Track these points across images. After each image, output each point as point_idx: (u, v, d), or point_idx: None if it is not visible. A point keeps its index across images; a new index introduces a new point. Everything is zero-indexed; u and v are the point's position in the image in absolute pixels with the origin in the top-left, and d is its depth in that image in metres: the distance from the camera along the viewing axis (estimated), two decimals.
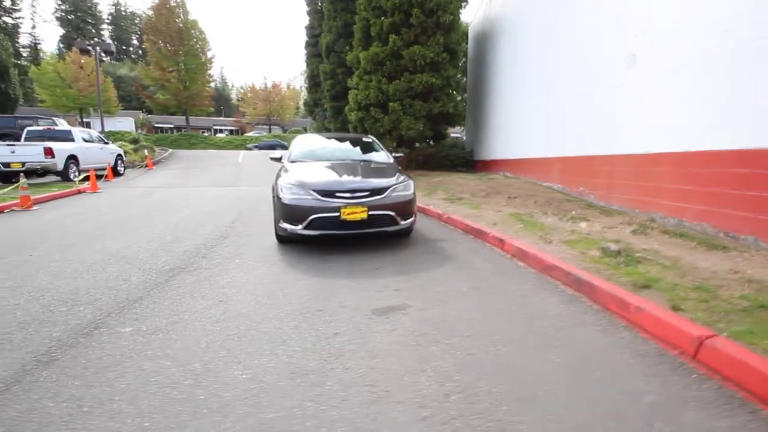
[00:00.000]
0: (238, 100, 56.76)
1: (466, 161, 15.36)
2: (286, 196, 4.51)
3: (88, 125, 29.91)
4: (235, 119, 49.56)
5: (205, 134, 43.63)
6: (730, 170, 4.01)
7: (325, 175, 4.74)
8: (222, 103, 62.72)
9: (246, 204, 8.25)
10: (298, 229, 4.42)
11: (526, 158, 9.82)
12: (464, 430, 1.64)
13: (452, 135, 22.43)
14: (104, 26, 61.35)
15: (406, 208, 4.71)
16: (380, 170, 5.10)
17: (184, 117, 37.88)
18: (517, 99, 10.95)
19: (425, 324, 2.69)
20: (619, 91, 5.90)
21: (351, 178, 4.67)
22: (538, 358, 2.25)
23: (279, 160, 5.82)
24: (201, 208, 7.66)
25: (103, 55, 20.20)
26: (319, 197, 4.38)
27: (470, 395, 1.88)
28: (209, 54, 36.21)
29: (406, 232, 5.01)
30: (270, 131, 45.99)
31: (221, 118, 54.68)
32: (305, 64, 21.32)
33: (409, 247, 4.83)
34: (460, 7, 13.01)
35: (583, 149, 6.89)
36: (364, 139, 6.41)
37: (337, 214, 4.34)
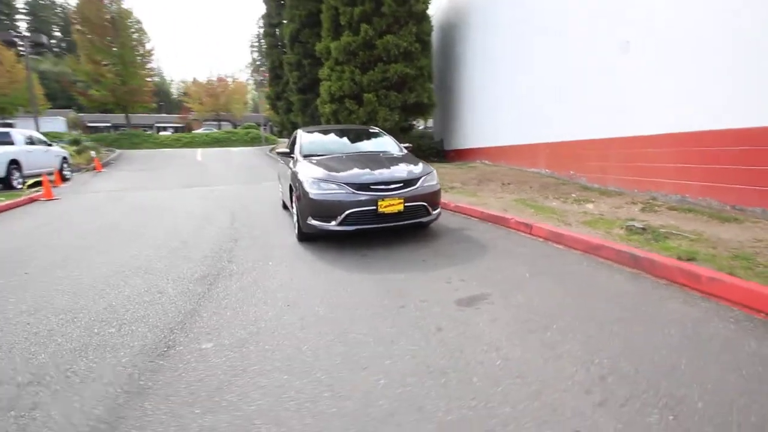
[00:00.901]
0: (181, 95, 53.29)
1: (437, 151, 15.54)
2: (315, 192, 4.29)
3: (9, 127, 26.62)
4: (180, 116, 46.42)
5: (148, 132, 40.61)
6: (737, 148, 4.39)
7: (353, 168, 4.55)
8: (161, 98, 58.60)
9: (232, 204, 7.77)
10: (332, 225, 4.22)
11: (507, 145, 10.11)
12: (647, 410, 1.65)
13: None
14: (19, 17, 54.73)
15: (435, 198, 4.66)
16: (404, 161, 4.99)
17: (123, 114, 34.92)
18: (493, 88, 11.22)
19: (520, 311, 2.68)
20: (612, 77, 6.22)
21: (381, 169, 4.53)
22: (652, 333, 2.32)
23: (288, 155, 5.53)
24: (187, 211, 7.11)
25: (29, 48, 18.04)
26: (354, 191, 4.21)
27: (624, 375, 1.90)
28: (148, 46, 33.57)
29: (429, 223, 4.97)
30: (220, 127, 43.72)
31: (164, 115, 51.03)
32: (264, 56, 20.17)
33: (438, 238, 4.80)
34: None
35: (574, 134, 7.21)
36: (371, 130, 6.25)
37: (373, 207, 4.20)
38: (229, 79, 44.74)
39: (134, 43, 31.79)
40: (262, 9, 21.15)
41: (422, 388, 1.88)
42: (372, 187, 4.26)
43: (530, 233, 4.77)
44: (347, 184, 4.25)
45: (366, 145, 5.72)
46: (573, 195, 6.68)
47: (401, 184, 4.37)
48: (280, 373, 2.06)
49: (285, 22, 17.77)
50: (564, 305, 2.74)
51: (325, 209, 4.25)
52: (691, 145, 4.93)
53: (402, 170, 4.59)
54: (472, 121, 12.79)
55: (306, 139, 5.64)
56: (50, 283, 3.56)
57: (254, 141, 34.43)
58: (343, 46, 12.63)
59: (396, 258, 4.06)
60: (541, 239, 4.54)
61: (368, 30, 12.31)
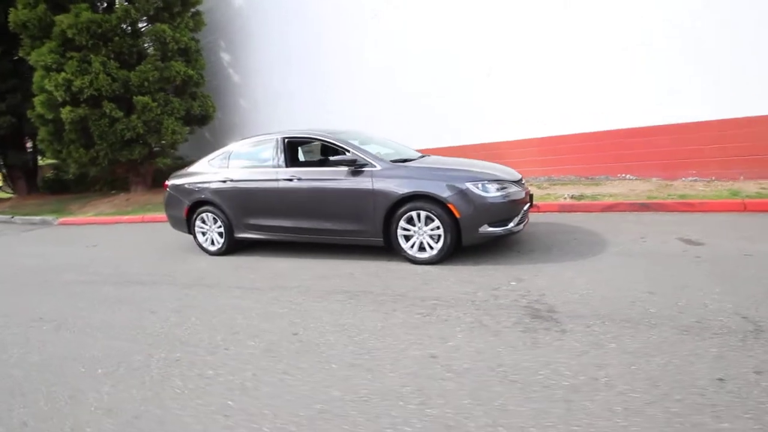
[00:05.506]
0: None
1: None
2: (494, 195, 3.73)
3: None
4: None
5: None
6: (585, 144, 7.43)
7: (487, 166, 4.23)
8: None
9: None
10: (510, 226, 3.82)
11: None
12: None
13: None
14: None
15: None
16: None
17: None
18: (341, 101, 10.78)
19: (728, 239, 3.99)
20: (472, 99, 8.29)
21: (491, 166, 4.42)
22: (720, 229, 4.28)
23: (352, 163, 4.00)
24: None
25: None
26: (518, 188, 4.02)
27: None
28: None
29: None
30: None
31: None
32: None
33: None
34: None
35: (438, 144, 8.86)
36: (366, 133, 5.38)
37: (529, 201, 4.20)
38: None
39: None
40: None
41: None
42: (521, 182, 4.21)
43: (539, 211, 6.04)
44: (513, 181, 4.00)
45: (404, 147, 5.03)
46: None
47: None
48: None
49: None
50: (723, 233, 4.32)
51: (505, 211, 3.81)
52: (554, 144, 7.74)
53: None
54: None
55: (362, 146, 4.27)
56: None
57: None
58: (85, 24, 8.58)
59: (558, 244, 4.23)
60: (556, 212, 5.92)
61: (131, 10, 9.00)
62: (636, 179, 7.09)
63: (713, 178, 6.39)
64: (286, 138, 4.51)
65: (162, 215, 8.01)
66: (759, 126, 6.04)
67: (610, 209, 5.65)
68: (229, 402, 1.94)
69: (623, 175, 7.26)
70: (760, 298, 2.60)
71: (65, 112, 8.53)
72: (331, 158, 4.25)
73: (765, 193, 5.24)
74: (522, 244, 4.33)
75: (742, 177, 6.13)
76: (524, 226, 4.11)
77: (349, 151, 4.12)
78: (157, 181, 11.71)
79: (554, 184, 7.62)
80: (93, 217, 8.90)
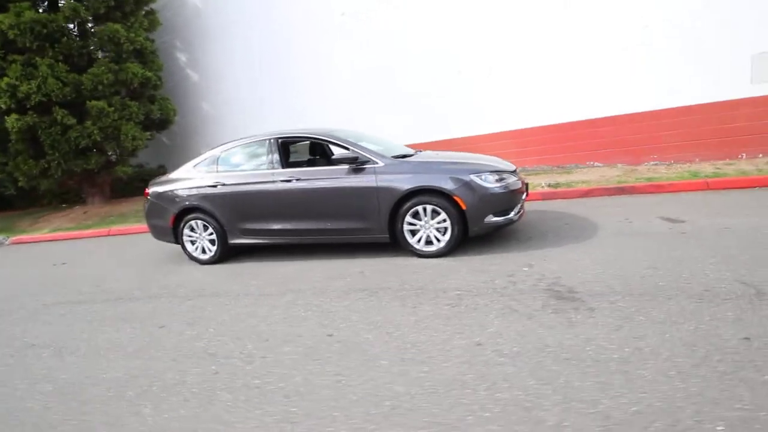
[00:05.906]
0: None
1: None
2: (497, 186, 3.85)
3: None
4: None
5: None
6: (555, 134, 7.81)
7: (483, 158, 4.35)
8: None
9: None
10: (511, 215, 3.98)
11: None
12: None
13: None
14: None
15: None
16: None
17: None
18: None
19: (709, 219, 4.36)
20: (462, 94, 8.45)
21: (489, 158, 4.57)
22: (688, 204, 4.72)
23: (354, 161, 3.96)
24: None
25: None
26: (515, 178, 4.16)
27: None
28: None
29: None
30: None
31: None
32: None
33: None
34: None
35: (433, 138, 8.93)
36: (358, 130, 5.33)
37: (525, 190, 4.36)
38: None
39: None
40: None
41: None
42: (516, 172, 4.36)
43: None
44: (509, 172, 4.14)
45: (389, 144, 5.03)
46: None
47: None
48: None
49: None
50: (696, 210, 4.70)
51: (506, 201, 3.94)
52: (526, 136, 8.05)
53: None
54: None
55: (359, 142, 4.24)
56: None
57: None
58: (28, 24, 7.86)
59: (552, 230, 4.47)
60: (538, 200, 6.18)
61: (79, 9, 8.34)
62: (603, 166, 7.55)
63: (672, 161, 6.95)
64: (280, 138, 4.40)
65: (132, 226, 7.60)
66: (698, 114, 6.60)
67: (588, 194, 5.99)
68: (293, 409, 1.90)
69: (591, 162, 7.72)
70: (751, 265, 2.89)
71: (11, 121, 7.76)
72: (333, 157, 4.22)
73: (721, 173, 5.79)
74: (518, 232, 4.50)
75: (697, 159, 6.72)
76: (521, 215, 4.27)
77: (349, 149, 4.10)
78: (116, 191, 10.98)
79: (529, 174, 7.94)
80: (50, 233, 8.18)
